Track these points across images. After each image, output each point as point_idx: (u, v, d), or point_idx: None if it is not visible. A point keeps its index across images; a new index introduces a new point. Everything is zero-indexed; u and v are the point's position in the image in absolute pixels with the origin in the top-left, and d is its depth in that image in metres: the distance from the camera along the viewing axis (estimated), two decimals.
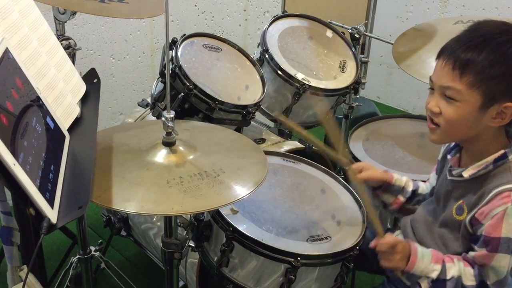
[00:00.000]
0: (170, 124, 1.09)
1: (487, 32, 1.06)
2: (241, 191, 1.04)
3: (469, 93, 1.05)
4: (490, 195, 1.07)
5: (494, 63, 1.03)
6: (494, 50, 1.03)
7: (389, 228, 1.49)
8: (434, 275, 1.11)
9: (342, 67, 1.96)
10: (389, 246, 1.13)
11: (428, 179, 1.40)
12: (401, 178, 1.38)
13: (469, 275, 1.11)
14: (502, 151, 1.10)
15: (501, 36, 1.04)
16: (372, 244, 1.16)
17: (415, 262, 1.12)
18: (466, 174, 1.13)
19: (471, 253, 1.11)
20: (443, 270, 1.11)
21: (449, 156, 1.22)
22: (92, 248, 1.60)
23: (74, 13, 1.43)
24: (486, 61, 1.03)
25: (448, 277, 1.11)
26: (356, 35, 2.04)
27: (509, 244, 1.06)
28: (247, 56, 1.81)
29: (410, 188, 1.37)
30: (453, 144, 1.23)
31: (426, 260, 1.13)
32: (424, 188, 1.39)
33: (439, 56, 1.11)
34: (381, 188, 1.37)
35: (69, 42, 1.47)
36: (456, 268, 1.11)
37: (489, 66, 1.03)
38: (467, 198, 1.13)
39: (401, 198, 1.37)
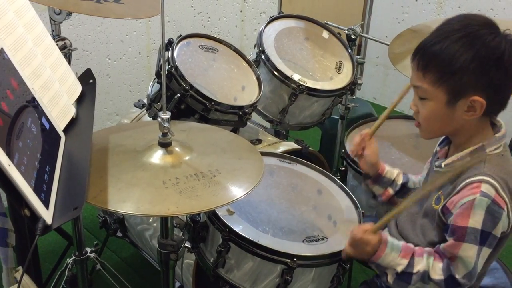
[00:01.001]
0: (166, 125, 1.09)
1: (447, 30, 1.09)
2: (237, 192, 1.04)
3: (434, 90, 1.10)
4: (462, 184, 1.09)
5: (451, 60, 1.06)
6: (450, 47, 1.06)
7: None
8: (399, 268, 1.13)
9: (339, 68, 1.96)
10: (361, 242, 1.14)
11: (421, 173, 1.40)
12: (392, 171, 1.40)
13: (437, 269, 1.11)
14: (480, 144, 1.12)
15: (458, 33, 1.06)
16: (352, 230, 1.17)
17: (381, 256, 1.14)
18: (444, 163, 1.17)
19: (442, 245, 1.12)
20: (411, 263, 1.13)
21: (438, 148, 1.25)
22: (88, 249, 1.60)
23: (69, 14, 1.43)
24: (444, 59, 1.07)
25: (415, 270, 1.12)
26: (352, 36, 2.04)
27: (476, 235, 1.06)
28: (243, 57, 1.81)
29: (400, 181, 1.39)
30: (443, 136, 1.26)
31: (393, 254, 1.14)
32: (415, 181, 1.41)
33: (412, 56, 1.15)
34: (372, 179, 1.39)
35: (65, 43, 1.46)
36: (424, 263, 1.12)
37: (447, 64, 1.06)
38: (444, 188, 1.15)
39: (390, 191, 1.39)
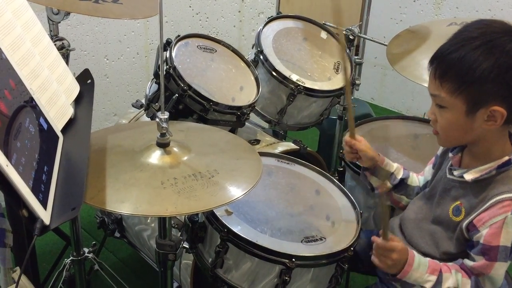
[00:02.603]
0: (164, 125, 1.09)
1: (465, 37, 1.06)
2: (235, 192, 1.04)
3: (452, 100, 1.07)
4: (491, 202, 1.07)
5: (470, 69, 1.02)
6: (468, 56, 1.03)
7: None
8: (428, 285, 1.12)
9: (337, 69, 1.97)
10: (385, 250, 1.13)
11: (423, 172, 1.40)
12: (392, 164, 1.38)
13: (466, 286, 1.11)
14: (506, 158, 1.10)
15: (476, 40, 1.03)
16: (373, 238, 1.15)
17: (409, 271, 1.12)
18: (468, 177, 1.13)
19: (469, 263, 1.11)
20: (439, 280, 1.12)
21: (450, 154, 1.22)
22: (86, 250, 1.59)
23: (68, 14, 1.43)
24: (462, 68, 1.03)
25: (444, 287, 1.11)
26: (351, 37, 2.04)
27: (506, 252, 1.06)
28: (241, 57, 1.81)
29: (399, 176, 1.38)
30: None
31: (421, 270, 1.12)
32: (416, 180, 1.40)
33: (429, 64, 1.12)
34: (370, 170, 1.38)
35: (63, 43, 1.46)
36: (453, 279, 1.11)
37: (466, 73, 1.03)
38: (466, 200, 1.13)
39: (388, 184, 1.38)
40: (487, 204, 1.08)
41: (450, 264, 1.15)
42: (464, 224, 1.11)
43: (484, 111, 1.05)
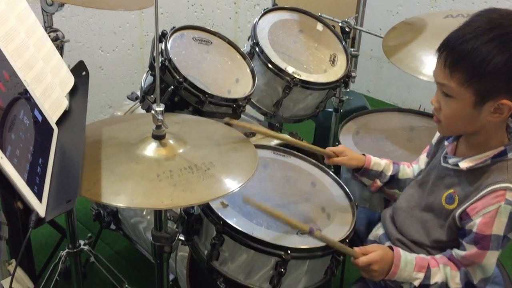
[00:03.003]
0: (159, 117, 1.08)
1: (478, 28, 1.03)
2: (231, 184, 1.04)
3: (461, 90, 1.05)
4: (485, 191, 1.08)
5: (482, 62, 1.01)
6: (482, 48, 1.01)
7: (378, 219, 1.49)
8: (416, 283, 1.13)
9: (333, 61, 1.96)
10: (364, 266, 1.16)
11: (417, 160, 1.41)
12: (380, 163, 1.40)
13: (455, 279, 1.12)
14: (502, 148, 1.10)
15: (490, 32, 1.01)
16: (356, 263, 1.18)
17: (396, 272, 1.14)
18: (463, 165, 1.13)
19: (460, 253, 1.12)
20: (427, 275, 1.13)
21: (446, 142, 1.23)
22: (81, 242, 1.60)
23: (62, 5, 1.42)
24: (474, 60, 1.02)
25: (432, 282, 1.13)
26: (347, 29, 2.04)
27: (498, 241, 1.07)
28: (237, 49, 1.81)
29: (389, 173, 1.40)
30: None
31: (408, 269, 1.14)
32: (407, 172, 1.41)
33: (437, 51, 1.10)
34: (359, 172, 1.41)
35: (57, 34, 1.45)
36: (441, 274, 1.13)
37: (478, 65, 1.02)
38: (460, 188, 1.14)
39: (378, 182, 1.41)
40: (481, 193, 1.08)
41: (438, 256, 1.16)
42: (457, 212, 1.12)
43: (492, 104, 1.05)
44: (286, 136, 1.37)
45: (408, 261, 1.14)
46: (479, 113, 1.07)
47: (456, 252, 1.13)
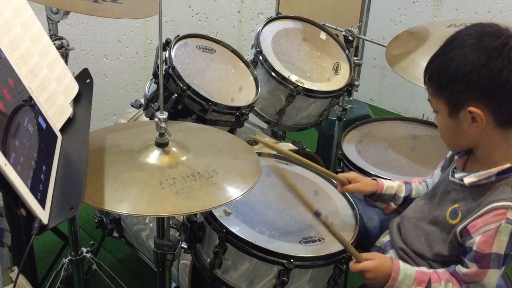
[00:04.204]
0: (163, 125, 1.09)
1: (446, 41, 1.11)
2: (234, 192, 1.04)
3: (437, 103, 1.12)
4: (486, 208, 1.07)
5: (442, 72, 1.08)
6: (443, 59, 1.08)
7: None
8: None
9: (336, 69, 1.97)
10: (356, 271, 1.16)
11: (432, 175, 1.40)
12: (393, 185, 1.38)
13: None
14: (508, 165, 1.08)
15: (453, 43, 1.08)
16: (350, 267, 1.18)
17: (394, 285, 1.13)
18: (467, 180, 1.12)
19: (462, 270, 1.10)
20: None
21: (456, 157, 1.22)
22: (84, 250, 1.59)
23: (67, 13, 1.43)
24: (437, 71, 1.10)
25: None
26: (350, 38, 2.04)
27: (499, 260, 1.06)
28: (240, 57, 1.81)
29: (402, 194, 1.38)
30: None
31: (407, 283, 1.13)
32: (420, 189, 1.39)
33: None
34: (373, 198, 1.38)
35: (62, 42, 1.46)
36: None
37: (440, 75, 1.09)
38: (464, 203, 1.13)
39: (393, 205, 1.38)
40: (482, 211, 1.07)
41: (441, 271, 1.14)
42: (458, 228, 1.11)
43: (464, 113, 1.07)
44: (301, 158, 1.35)
45: (408, 275, 1.13)
46: (459, 123, 1.09)
47: (459, 268, 1.12)
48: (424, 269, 1.16)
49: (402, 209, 1.38)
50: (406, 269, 1.15)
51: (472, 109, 1.05)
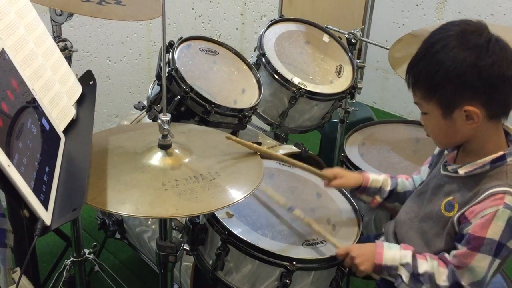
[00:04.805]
0: (166, 127, 1.09)
1: (426, 44, 1.11)
2: (236, 194, 1.04)
3: (428, 106, 1.11)
4: (484, 195, 1.07)
5: (432, 74, 1.07)
6: (429, 62, 1.08)
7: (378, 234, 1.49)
8: (408, 259, 1.13)
9: (339, 72, 1.97)
10: (343, 254, 1.18)
11: (418, 171, 1.41)
12: (378, 179, 1.40)
13: (442, 275, 1.10)
14: (501, 153, 1.10)
15: (436, 45, 1.08)
16: (335, 253, 1.20)
17: (382, 252, 1.15)
18: (462, 171, 1.14)
19: (452, 252, 1.11)
20: (415, 264, 1.12)
21: (446, 152, 1.23)
22: (86, 251, 1.60)
23: (71, 15, 1.43)
24: (425, 74, 1.09)
25: (421, 271, 1.11)
26: (353, 40, 2.05)
27: (492, 246, 1.05)
28: (243, 59, 1.81)
29: (387, 187, 1.39)
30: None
31: (394, 248, 1.15)
32: (406, 184, 1.40)
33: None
34: (358, 190, 1.40)
35: (66, 44, 1.47)
36: (428, 264, 1.12)
37: (431, 77, 1.08)
38: (459, 194, 1.14)
39: (378, 198, 1.40)
40: (480, 197, 1.08)
41: (425, 253, 1.15)
42: (456, 216, 1.11)
43: (459, 112, 1.08)
44: (279, 155, 1.38)
45: (392, 245, 1.17)
46: (453, 123, 1.10)
47: (446, 254, 1.12)
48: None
49: (388, 203, 1.41)
50: (389, 243, 1.18)
51: (468, 108, 1.06)
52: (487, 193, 1.07)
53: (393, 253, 1.15)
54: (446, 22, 1.12)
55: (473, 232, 1.06)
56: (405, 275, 1.13)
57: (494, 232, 1.04)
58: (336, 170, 1.39)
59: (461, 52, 1.04)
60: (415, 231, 1.22)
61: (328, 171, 1.39)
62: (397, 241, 1.28)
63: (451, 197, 1.15)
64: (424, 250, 1.18)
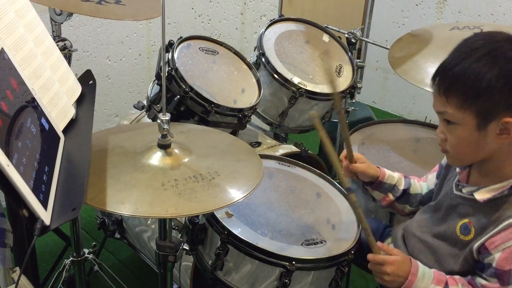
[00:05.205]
0: (165, 126, 1.09)
1: (466, 50, 1.04)
2: (236, 194, 1.04)
3: (461, 115, 1.04)
4: (503, 224, 1.04)
5: (475, 81, 1.00)
6: (472, 68, 1.01)
7: (383, 230, 1.48)
8: None
9: (338, 72, 1.97)
10: (376, 264, 1.13)
11: (425, 178, 1.38)
12: (393, 175, 1.36)
13: None
14: None
15: (478, 52, 1.01)
16: (368, 256, 1.15)
17: (414, 281, 1.10)
18: (480, 197, 1.09)
19: (480, 281, 1.08)
20: None
21: (457, 169, 1.19)
22: (86, 251, 1.59)
23: (70, 15, 1.43)
24: (467, 80, 1.01)
25: None
26: (353, 40, 2.05)
27: None
28: (243, 59, 1.81)
29: (401, 186, 1.36)
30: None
31: (426, 281, 1.10)
32: (417, 187, 1.38)
33: (432, 80, 1.10)
34: (372, 185, 1.36)
35: (65, 44, 1.46)
36: None
37: (471, 85, 1.01)
38: (475, 219, 1.10)
39: (391, 196, 1.36)
40: (500, 227, 1.05)
41: (457, 277, 1.12)
42: (475, 246, 1.08)
43: (495, 124, 1.02)
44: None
45: (426, 273, 1.11)
46: (485, 136, 1.04)
47: (477, 280, 1.09)
48: (441, 272, 1.14)
49: (399, 204, 1.37)
50: (425, 268, 1.13)
51: (508, 119, 1.00)
52: (507, 222, 1.04)
53: (424, 285, 1.10)
54: (481, 32, 1.06)
55: (499, 267, 1.04)
56: None
57: None
58: (359, 155, 1.34)
59: (509, 61, 0.99)
60: (426, 246, 1.20)
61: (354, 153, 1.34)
62: (407, 247, 1.26)
63: (466, 220, 1.12)
64: (435, 267, 1.16)
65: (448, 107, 1.05)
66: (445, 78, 1.05)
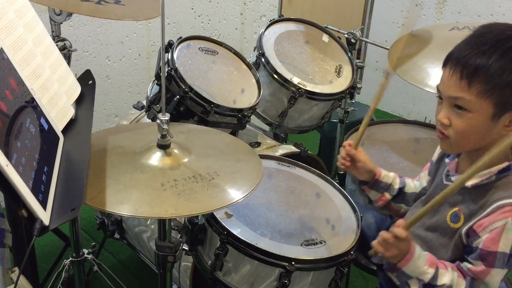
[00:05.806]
0: (165, 126, 1.09)
1: (495, 38, 1.03)
2: (235, 194, 1.04)
3: (480, 102, 1.03)
4: (491, 207, 1.06)
5: (504, 70, 1.00)
6: (503, 56, 1.00)
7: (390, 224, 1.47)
8: (426, 278, 1.10)
9: (338, 72, 1.97)
10: (401, 239, 1.09)
11: (418, 177, 1.39)
12: (389, 175, 1.37)
13: (461, 287, 1.09)
14: (506, 163, 1.08)
15: (506, 43, 1.01)
16: (391, 229, 1.11)
17: (410, 260, 1.10)
18: (468, 183, 1.10)
19: (466, 265, 1.10)
20: (435, 275, 1.10)
21: (447, 160, 1.21)
22: (85, 251, 1.59)
23: (70, 15, 1.43)
24: (496, 69, 1.00)
25: (439, 283, 1.10)
26: (352, 40, 2.05)
27: (504, 259, 1.05)
28: (243, 59, 1.81)
29: (396, 185, 1.37)
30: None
31: (421, 261, 1.11)
32: (412, 186, 1.39)
33: (445, 65, 1.08)
34: (368, 184, 1.37)
35: (65, 44, 1.46)
36: (449, 276, 1.10)
37: (499, 74, 1.00)
38: (464, 206, 1.12)
39: (387, 196, 1.37)
40: (488, 210, 1.06)
41: (446, 262, 1.14)
42: (464, 229, 1.10)
43: (508, 116, 1.04)
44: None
45: (422, 254, 1.12)
46: (494, 126, 1.05)
47: (464, 264, 1.11)
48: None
49: (395, 204, 1.38)
50: (420, 250, 1.13)
51: None
52: (494, 205, 1.06)
53: (418, 266, 1.10)
54: (500, 23, 1.07)
55: (485, 247, 1.05)
56: (415, 286, 1.12)
57: (505, 245, 1.04)
58: (361, 149, 1.35)
59: None
60: (420, 239, 1.21)
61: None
62: None
63: (456, 208, 1.13)
64: None
65: (467, 93, 1.03)
66: (469, 64, 1.03)
